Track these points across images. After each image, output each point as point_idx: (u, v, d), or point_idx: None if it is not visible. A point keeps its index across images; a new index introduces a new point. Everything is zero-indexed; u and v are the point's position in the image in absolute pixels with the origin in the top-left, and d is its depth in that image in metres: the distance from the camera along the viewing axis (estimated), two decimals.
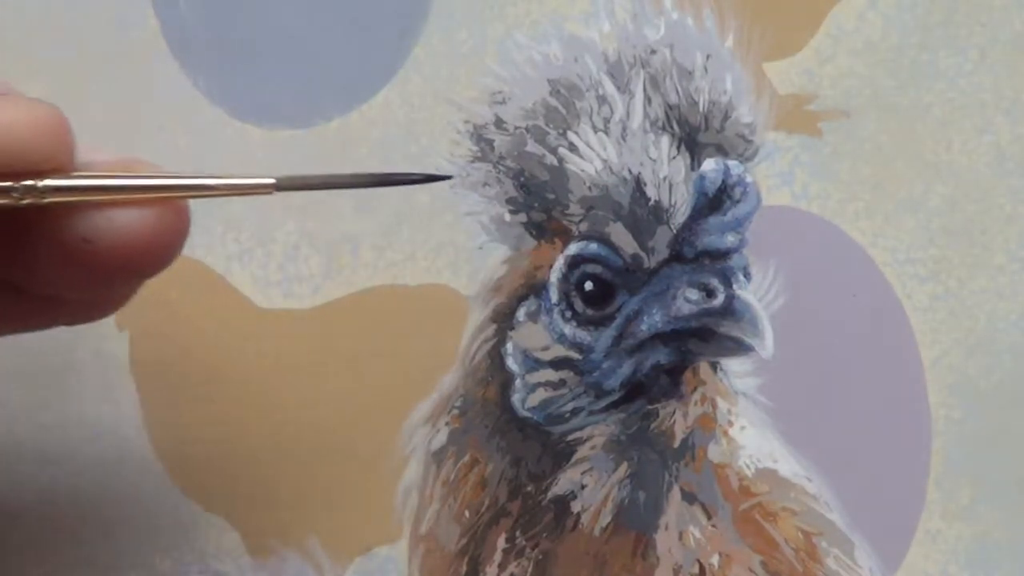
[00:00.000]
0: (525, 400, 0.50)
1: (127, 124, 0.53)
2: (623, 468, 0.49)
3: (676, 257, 0.48)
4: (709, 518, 0.50)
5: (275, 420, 0.51)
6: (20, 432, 0.50)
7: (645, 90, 0.48)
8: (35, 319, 0.40)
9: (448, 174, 0.48)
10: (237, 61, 0.53)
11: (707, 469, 0.50)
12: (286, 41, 0.53)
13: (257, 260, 0.53)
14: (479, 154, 0.50)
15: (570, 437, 0.50)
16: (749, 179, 0.48)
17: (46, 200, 0.35)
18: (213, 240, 0.53)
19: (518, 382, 0.50)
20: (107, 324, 0.51)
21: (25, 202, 0.35)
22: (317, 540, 0.52)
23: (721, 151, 0.48)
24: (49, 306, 0.39)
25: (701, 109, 0.48)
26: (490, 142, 0.50)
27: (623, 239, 0.48)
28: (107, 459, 0.51)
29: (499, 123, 0.50)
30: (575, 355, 0.49)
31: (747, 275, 0.49)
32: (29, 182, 0.35)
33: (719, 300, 0.47)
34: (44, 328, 0.41)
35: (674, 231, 0.47)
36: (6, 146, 0.34)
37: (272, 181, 0.40)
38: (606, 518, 0.49)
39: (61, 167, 0.36)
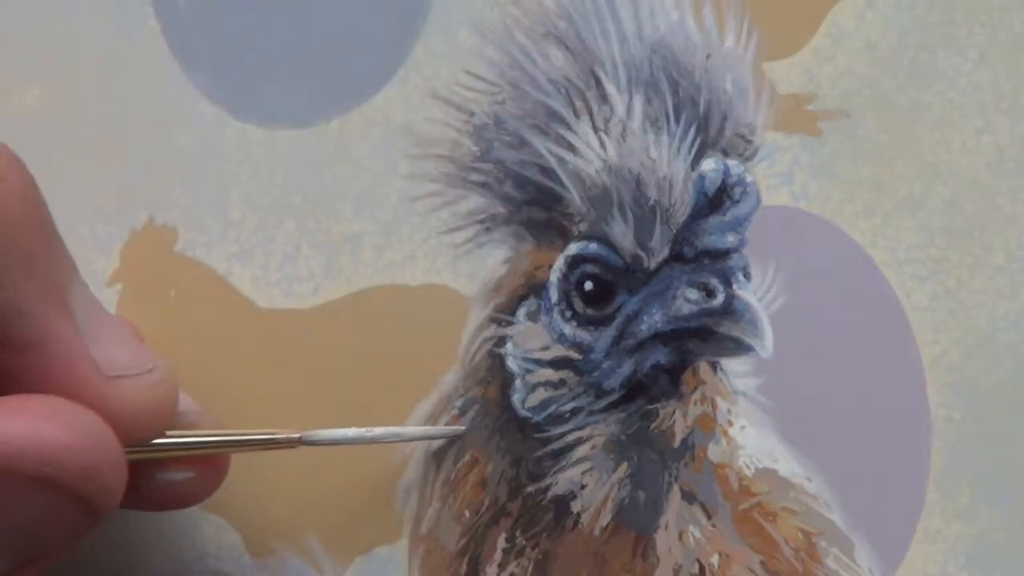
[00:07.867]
0: (525, 400, 0.50)
1: (127, 124, 0.53)
2: (623, 468, 0.49)
3: (676, 257, 0.48)
4: (709, 518, 0.50)
5: (275, 420, 0.51)
6: None
7: (645, 90, 0.48)
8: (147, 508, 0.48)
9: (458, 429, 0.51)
10: (237, 61, 0.53)
11: (707, 469, 0.50)
12: (286, 41, 0.53)
13: (257, 260, 0.53)
14: (479, 154, 0.50)
15: (570, 437, 0.50)
16: (749, 179, 0.48)
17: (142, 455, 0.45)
18: (213, 240, 0.53)
19: (518, 382, 0.50)
20: None
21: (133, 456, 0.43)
22: (317, 540, 0.52)
23: (721, 151, 0.48)
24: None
25: (701, 109, 0.48)
26: (490, 142, 0.50)
27: (623, 239, 0.48)
28: None
29: (499, 123, 0.50)
30: (575, 355, 0.49)
31: (747, 275, 0.49)
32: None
33: (719, 300, 0.47)
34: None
35: (674, 231, 0.47)
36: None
37: (297, 436, 0.48)
38: (606, 518, 0.49)
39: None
